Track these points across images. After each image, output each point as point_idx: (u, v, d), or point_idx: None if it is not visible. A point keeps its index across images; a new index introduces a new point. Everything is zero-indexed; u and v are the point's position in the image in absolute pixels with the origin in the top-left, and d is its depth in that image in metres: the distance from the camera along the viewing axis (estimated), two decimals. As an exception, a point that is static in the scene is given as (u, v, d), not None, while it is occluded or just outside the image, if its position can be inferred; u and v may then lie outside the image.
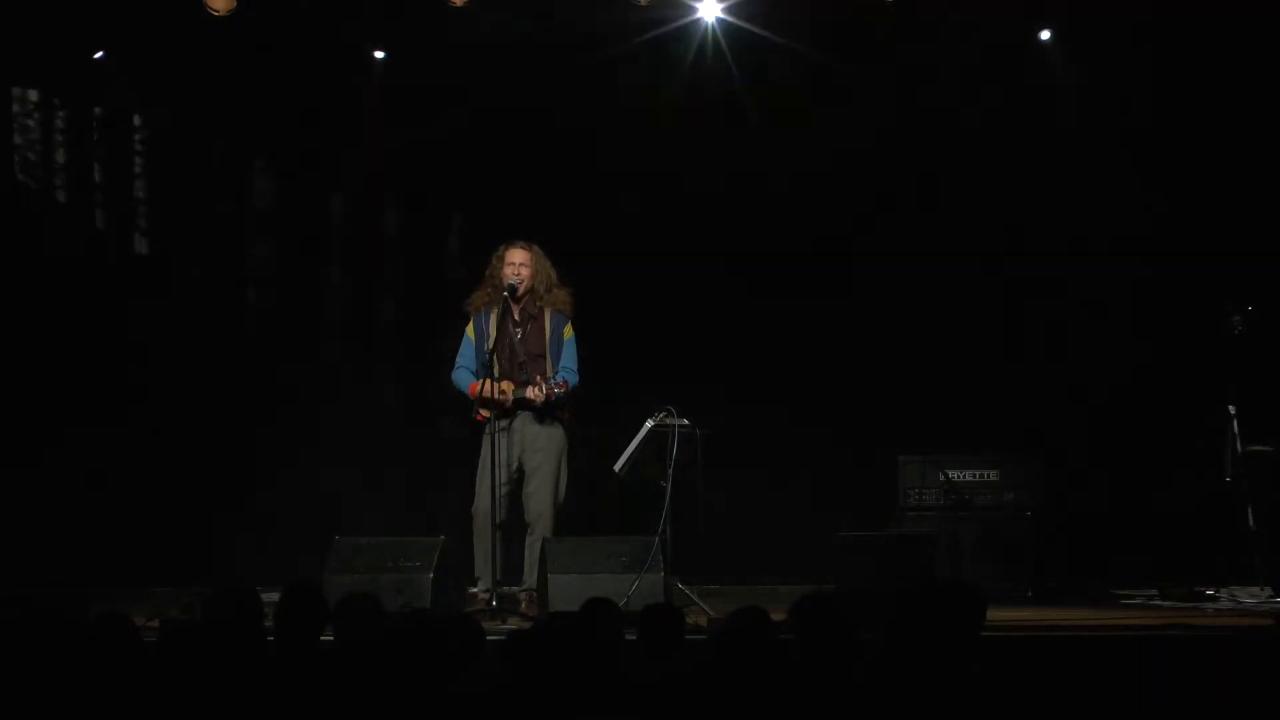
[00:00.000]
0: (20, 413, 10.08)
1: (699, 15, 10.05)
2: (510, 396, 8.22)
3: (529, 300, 8.37)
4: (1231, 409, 8.83)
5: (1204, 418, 9.09)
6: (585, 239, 9.53)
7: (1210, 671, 6.00)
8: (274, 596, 5.11)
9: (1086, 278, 10.12)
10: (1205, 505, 9.26)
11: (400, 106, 10.38)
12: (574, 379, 8.30)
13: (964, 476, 9.19)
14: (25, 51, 10.03)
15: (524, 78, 10.12)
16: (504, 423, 8.22)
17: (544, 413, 8.28)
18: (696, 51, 10.11)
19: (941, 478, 9.17)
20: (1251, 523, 8.74)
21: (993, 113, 10.09)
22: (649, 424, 8.11)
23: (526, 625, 6.41)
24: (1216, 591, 8.74)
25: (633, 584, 7.64)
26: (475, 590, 8.29)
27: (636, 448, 8.16)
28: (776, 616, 4.74)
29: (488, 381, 8.13)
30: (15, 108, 10.34)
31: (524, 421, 8.30)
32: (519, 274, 8.33)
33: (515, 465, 8.31)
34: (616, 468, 8.24)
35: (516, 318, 8.38)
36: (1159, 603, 8.76)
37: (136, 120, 10.60)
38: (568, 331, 8.39)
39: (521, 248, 8.39)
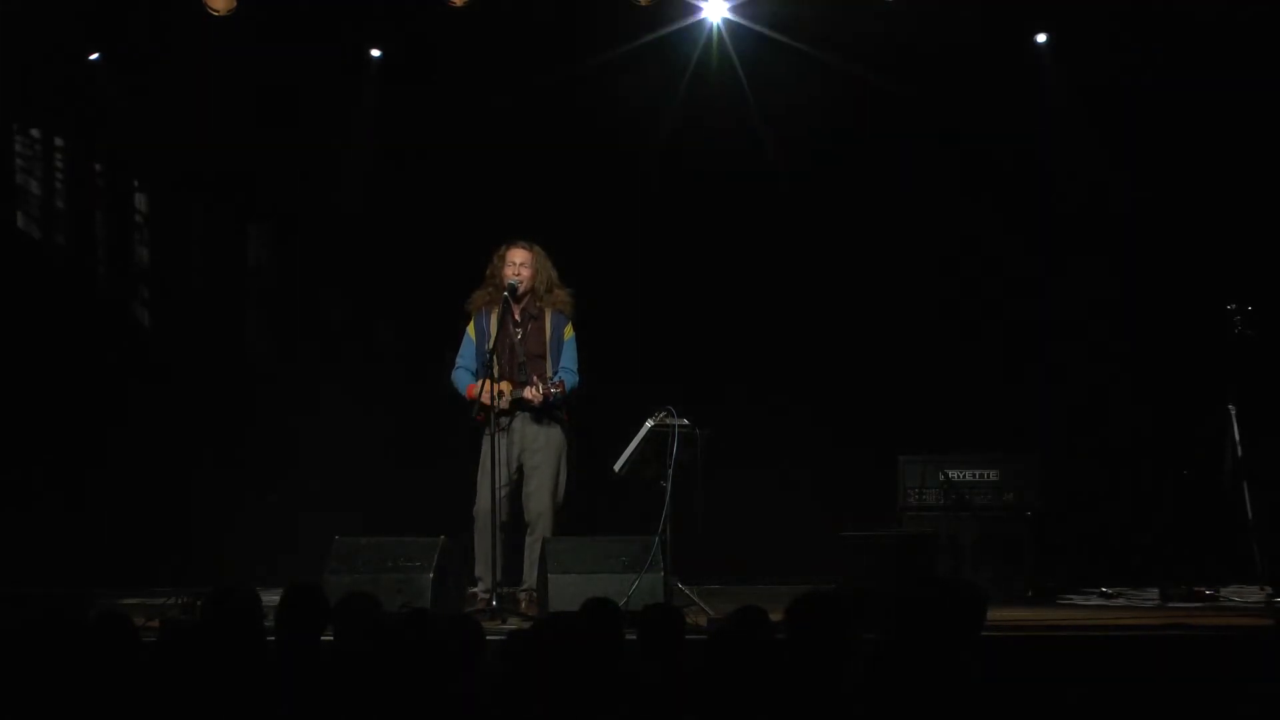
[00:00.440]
0: (19, 412, 10.09)
1: (703, 16, 10.06)
2: (508, 398, 8.22)
3: (529, 300, 8.37)
4: (1231, 409, 8.83)
5: (1204, 418, 9.10)
6: (585, 239, 9.53)
7: (1210, 671, 6.00)
8: (274, 598, 5.11)
9: (1086, 278, 10.11)
10: (1205, 505, 9.26)
11: (399, 107, 10.39)
12: (573, 379, 8.30)
13: (964, 476, 9.18)
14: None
15: (523, 78, 10.14)
16: (503, 423, 8.22)
17: (543, 413, 8.28)
18: (701, 51, 10.11)
19: (941, 478, 9.16)
20: (1251, 522, 8.74)
21: (992, 112, 10.09)
22: (649, 424, 8.11)
23: (526, 625, 6.40)
24: (1217, 591, 8.74)
25: (633, 584, 7.64)
26: (475, 590, 8.29)
27: (636, 448, 8.16)
28: (776, 616, 4.74)
29: (487, 383, 8.13)
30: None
31: (523, 421, 8.30)
32: (520, 274, 8.33)
33: (515, 465, 8.31)
34: (616, 468, 8.23)
35: (517, 318, 8.38)
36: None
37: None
38: (568, 331, 8.39)
39: (522, 248, 8.40)
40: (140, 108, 10.20)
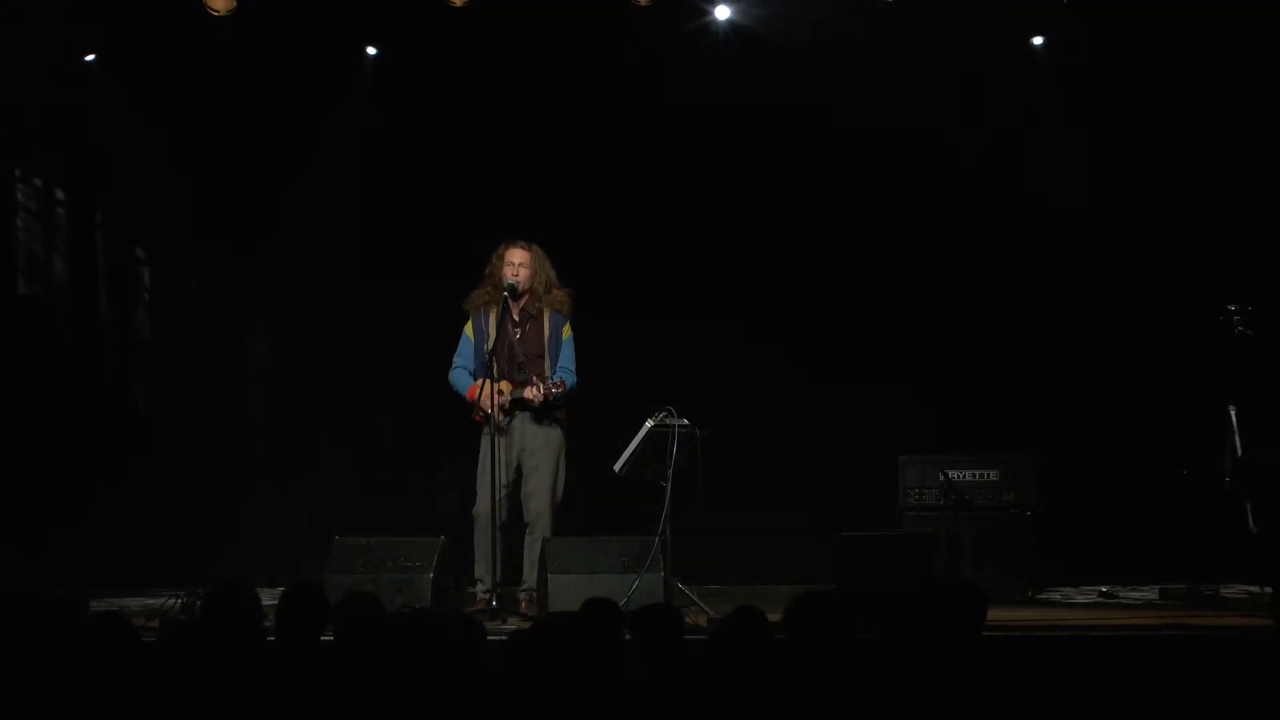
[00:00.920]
0: (17, 413, 10.09)
1: (711, 17, 10.08)
2: (507, 397, 8.22)
3: (528, 300, 8.37)
4: (1231, 409, 8.83)
5: (1204, 418, 9.09)
6: (584, 239, 9.53)
7: (1210, 671, 6.00)
8: (273, 600, 5.11)
9: (1086, 277, 10.11)
10: (1205, 505, 9.25)
11: (399, 107, 10.40)
12: (571, 379, 8.30)
13: (964, 476, 9.18)
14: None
15: (522, 77, 10.14)
16: (502, 423, 8.22)
17: (542, 413, 8.28)
18: (704, 51, 10.13)
19: (941, 478, 9.16)
20: (1251, 523, 8.74)
21: (991, 111, 10.09)
22: (649, 424, 8.11)
23: (526, 625, 6.40)
24: (1217, 591, 8.74)
25: (633, 584, 7.64)
26: (475, 590, 8.29)
27: (636, 448, 8.16)
28: (776, 617, 4.74)
29: (486, 383, 8.13)
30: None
31: (522, 421, 8.30)
32: (518, 274, 8.33)
33: (514, 465, 8.31)
34: (616, 468, 8.23)
35: (516, 318, 8.38)
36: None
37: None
38: (566, 331, 8.39)
39: (521, 248, 8.39)
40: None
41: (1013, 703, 4.55)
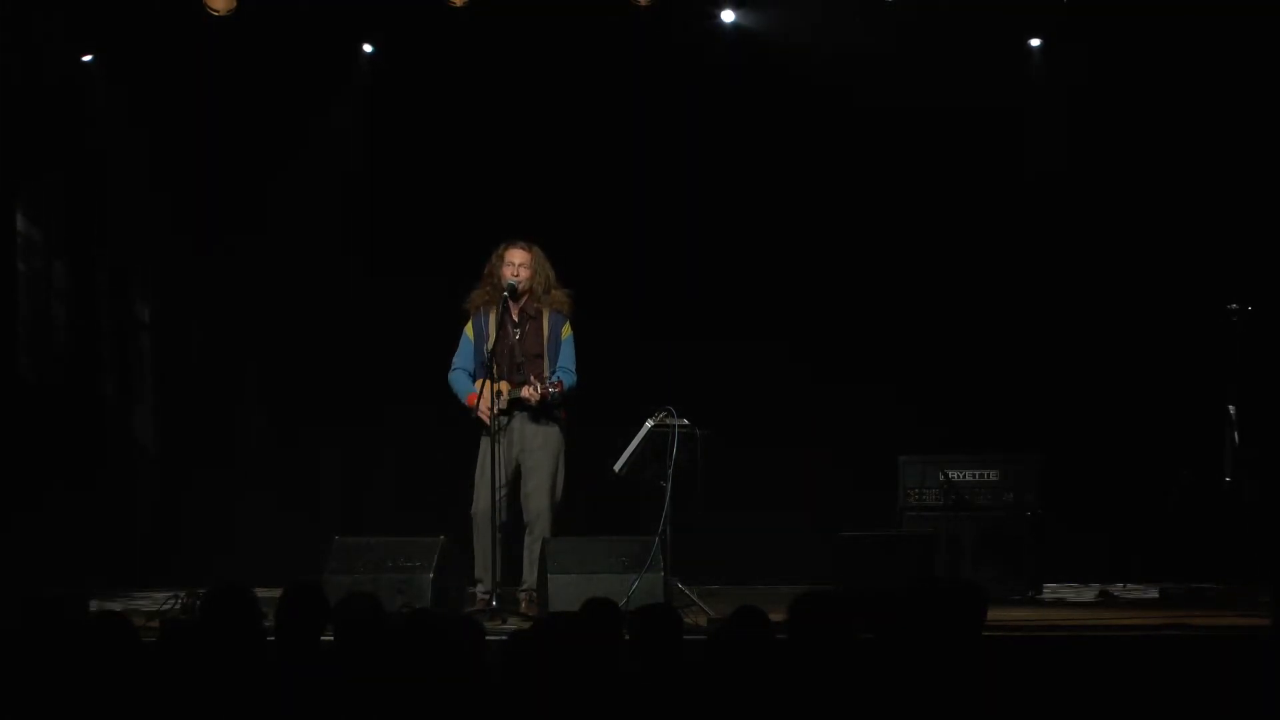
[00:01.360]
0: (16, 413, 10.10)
1: (716, 20, 10.09)
2: (506, 397, 8.22)
3: (528, 301, 8.37)
4: (1231, 409, 8.83)
5: (1204, 417, 9.10)
6: (584, 239, 9.53)
7: (1210, 671, 5.99)
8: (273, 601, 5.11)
9: (1086, 278, 10.12)
10: (1205, 505, 9.26)
11: (398, 106, 10.40)
12: (570, 379, 8.30)
13: (964, 476, 9.18)
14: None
15: (522, 77, 10.15)
16: (501, 423, 8.22)
17: (541, 412, 8.28)
18: (704, 52, 10.13)
19: (941, 478, 9.16)
20: (1251, 523, 8.74)
21: (990, 111, 10.09)
22: (649, 424, 8.12)
23: (526, 625, 6.40)
24: (1216, 590, 8.74)
25: (633, 584, 7.64)
26: (475, 590, 8.29)
27: (636, 448, 8.16)
28: (776, 616, 4.74)
29: (486, 383, 8.13)
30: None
31: (521, 421, 8.30)
32: (519, 274, 8.33)
33: (513, 465, 8.31)
34: (616, 468, 8.23)
35: (515, 318, 8.38)
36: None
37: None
38: (566, 331, 8.39)
39: (521, 248, 8.39)
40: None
41: (1013, 703, 4.55)
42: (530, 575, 8.22)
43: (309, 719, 4.59)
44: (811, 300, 10.27)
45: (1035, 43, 10.24)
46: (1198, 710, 5.52)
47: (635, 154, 10.13)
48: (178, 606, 7.86)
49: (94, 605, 6.78)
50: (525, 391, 8.20)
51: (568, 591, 7.55)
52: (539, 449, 8.30)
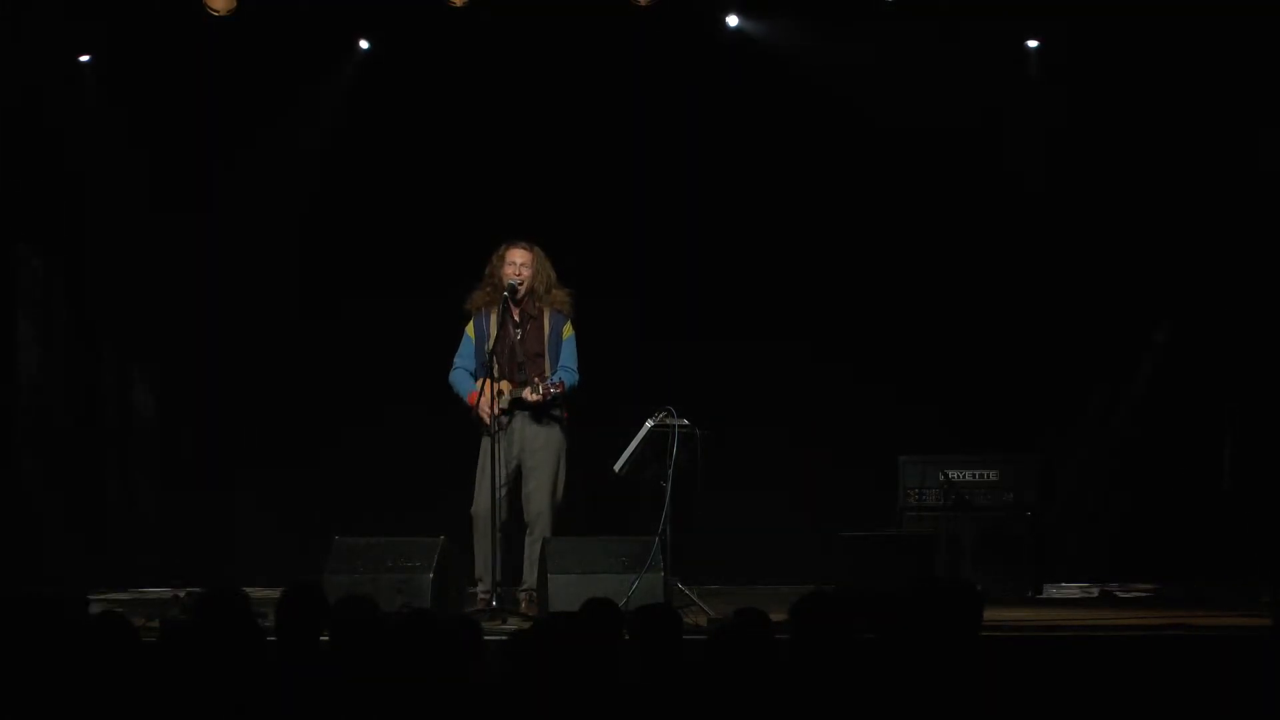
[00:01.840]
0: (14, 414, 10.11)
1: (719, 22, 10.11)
2: (507, 397, 8.22)
3: (529, 300, 8.37)
4: (1231, 409, 8.84)
5: (1203, 418, 9.11)
6: (584, 240, 9.53)
7: (1210, 671, 6.00)
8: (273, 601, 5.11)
9: (1087, 278, 10.12)
10: (1205, 505, 9.26)
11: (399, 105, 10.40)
12: (572, 378, 8.30)
13: (964, 476, 9.19)
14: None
15: (521, 78, 10.15)
16: (502, 423, 8.22)
17: (542, 412, 8.28)
18: (704, 52, 10.13)
19: (941, 478, 9.16)
20: (1250, 523, 8.75)
21: (990, 112, 10.09)
22: (649, 424, 8.11)
23: (526, 625, 6.41)
24: (1216, 590, 8.74)
25: (633, 584, 7.64)
26: (475, 590, 8.29)
27: (636, 448, 8.16)
28: (776, 616, 4.74)
29: (488, 383, 8.13)
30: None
31: (522, 421, 8.30)
32: (520, 274, 8.33)
33: (514, 465, 8.31)
34: (616, 468, 8.23)
35: (516, 318, 8.38)
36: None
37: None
38: (567, 330, 8.39)
39: (522, 248, 8.39)
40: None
41: (1012, 703, 4.55)
42: (530, 575, 8.22)
43: (308, 719, 4.59)
44: (811, 301, 10.26)
45: (1033, 44, 10.23)
46: (1198, 710, 5.52)
47: (635, 154, 10.13)
48: (177, 607, 7.87)
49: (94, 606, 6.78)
50: (527, 392, 8.19)
51: (568, 591, 7.55)
52: (540, 449, 8.30)
